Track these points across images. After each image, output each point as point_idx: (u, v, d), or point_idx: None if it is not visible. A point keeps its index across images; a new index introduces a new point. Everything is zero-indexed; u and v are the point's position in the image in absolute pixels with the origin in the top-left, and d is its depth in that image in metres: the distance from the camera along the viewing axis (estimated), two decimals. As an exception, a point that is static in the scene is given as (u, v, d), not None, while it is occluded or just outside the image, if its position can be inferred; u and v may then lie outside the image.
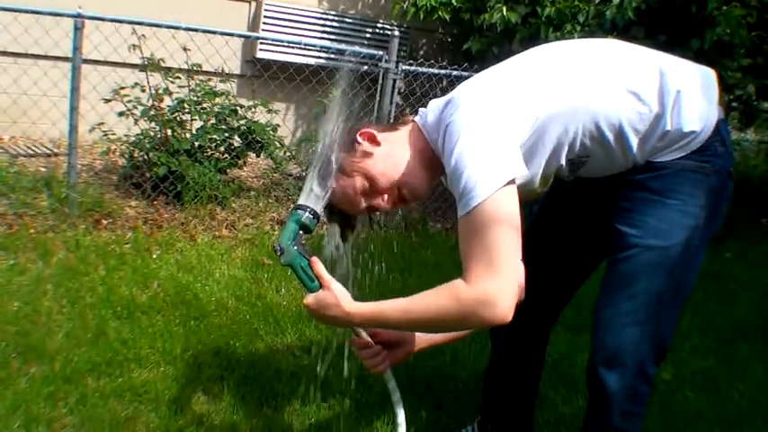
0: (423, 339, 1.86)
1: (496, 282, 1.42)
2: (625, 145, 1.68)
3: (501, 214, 1.45)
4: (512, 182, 1.48)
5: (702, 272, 4.74)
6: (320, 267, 1.65)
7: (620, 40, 4.56)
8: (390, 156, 1.71)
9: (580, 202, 1.94)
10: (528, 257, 1.75)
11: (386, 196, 1.70)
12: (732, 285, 4.54)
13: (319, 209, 1.69)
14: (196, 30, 4.19)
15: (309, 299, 1.64)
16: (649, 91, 1.65)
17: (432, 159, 1.70)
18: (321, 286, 1.64)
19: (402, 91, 4.85)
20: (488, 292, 1.42)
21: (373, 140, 1.71)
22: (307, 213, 1.66)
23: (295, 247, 1.64)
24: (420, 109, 1.79)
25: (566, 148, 1.68)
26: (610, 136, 1.66)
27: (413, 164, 1.71)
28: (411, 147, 1.72)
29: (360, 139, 1.71)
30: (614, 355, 1.71)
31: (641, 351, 1.71)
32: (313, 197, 1.68)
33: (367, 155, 1.70)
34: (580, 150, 1.70)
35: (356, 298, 1.63)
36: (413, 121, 1.78)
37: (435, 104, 1.73)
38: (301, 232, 1.66)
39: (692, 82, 1.70)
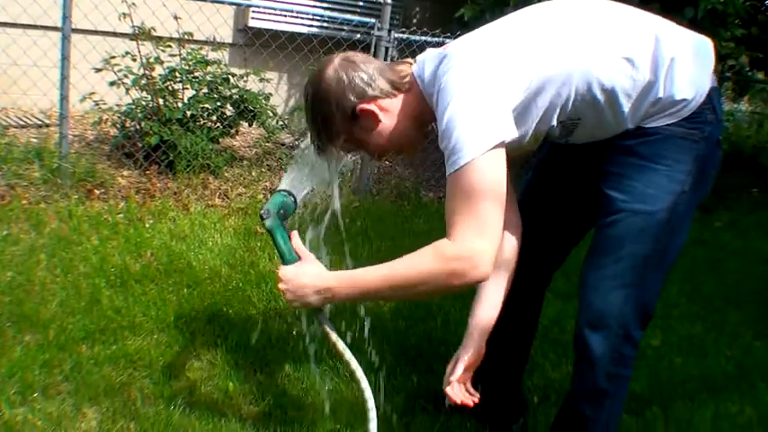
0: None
1: (481, 241, 1.51)
2: (617, 110, 1.69)
3: (487, 176, 1.51)
4: (500, 144, 1.52)
5: (692, 240, 4.80)
6: (299, 241, 1.69)
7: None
8: (387, 130, 1.74)
9: (571, 167, 1.96)
10: (522, 222, 1.78)
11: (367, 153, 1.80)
12: (721, 254, 4.58)
13: (299, 199, 1.77)
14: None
15: (287, 267, 1.65)
16: (643, 57, 1.66)
17: (426, 115, 1.73)
18: (299, 259, 1.67)
19: (395, 59, 4.84)
20: (473, 249, 1.51)
21: (373, 118, 1.72)
22: (291, 198, 1.73)
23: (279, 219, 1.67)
24: (417, 58, 1.80)
25: (558, 110, 1.70)
26: (602, 100, 1.67)
27: (407, 131, 1.76)
28: (408, 113, 1.75)
29: (360, 114, 1.71)
30: (599, 317, 1.74)
31: (625, 314, 1.74)
32: (296, 184, 1.77)
33: (366, 130, 1.74)
34: (572, 113, 1.71)
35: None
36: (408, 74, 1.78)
37: (431, 55, 1.75)
38: (282, 212, 1.70)
39: (687, 50, 1.71)
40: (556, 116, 1.71)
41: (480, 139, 1.50)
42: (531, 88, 1.63)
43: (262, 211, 1.68)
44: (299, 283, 1.63)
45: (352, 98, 1.69)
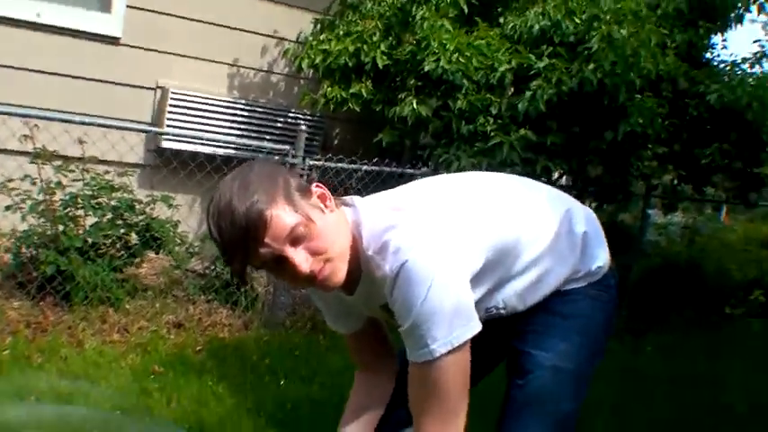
0: None
1: (452, 429, 1.59)
2: (544, 291, 1.82)
3: (453, 372, 1.57)
4: (467, 341, 1.57)
5: (622, 368, 4.84)
6: None
7: (533, 132, 4.69)
8: (337, 227, 1.61)
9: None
10: None
11: (310, 258, 1.55)
12: (649, 383, 4.62)
13: None
14: (91, 124, 4.20)
15: None
16: (562, 239, 1.81)
17: (355, 259, 1.64)
18: None
19: (315, 181, 4.92)
20: None
21: (324, 200, 1.60)
22: None
23: None
24: (350, 200, 1.72)
25: (485, 300, 1.77)
26: (527, 285, 1.80)
27: (348, 243, 1.63)
28: (347, 237, 1.64)
29: (312, 191, 1.59)
30: None
31: None
32: None
33: (320, 210, 1.58)
34: (499, 302, 1.81)
35: None
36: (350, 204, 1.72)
37: (373, 215, 1.67)
38: None
39: (589, 221, 1.90)
40: (484, 304, 1.78)
41: (457, 332, 1.54)
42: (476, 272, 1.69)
43: None
44: None
45: (300, 180, 1.63)
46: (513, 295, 1.79)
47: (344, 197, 1.73)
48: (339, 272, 1.60)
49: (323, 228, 1.55)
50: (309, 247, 1.54)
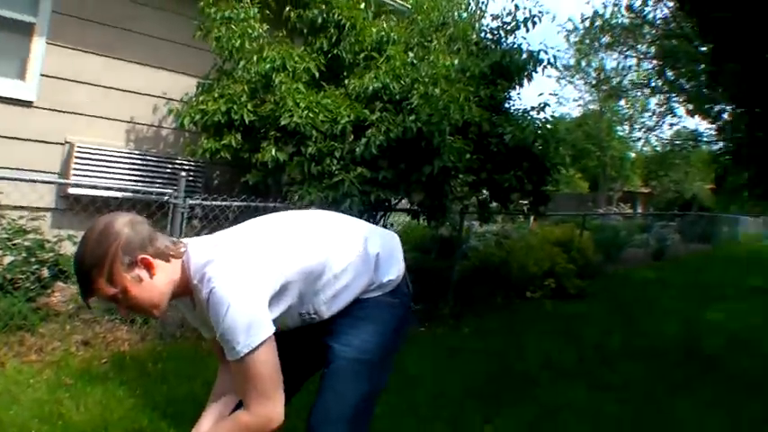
0: None
1: (270, 405, 1.77)
2: (346, 300, 2.02)
3: (261, 362, 1.76)
4: (268, 338, 1.77)
5: (446, 347, 5.11)
6: None
7: (368, 170, 4.90)
8: (155, 288, 1.80)
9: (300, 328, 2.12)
10: None
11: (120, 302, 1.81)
12: (466, 355, 5.00)
13: None
14: (4, 178, 4.17)
15: None
16: (358, 259, 2.01)
17: (181, 290, 1.85)
18: None
19: (198, 215, 5.06)
20: (266, 416, 1.77)
21: (150, 269, 1.79)
22: None
23: None
24: (186, 244, 1.89)
25: (298, 308, 1.97)
26: (330, 295, 1.99)
27: (167, 293, 1.84)
28: (173, 279, 1.84)
29: (139, 263, 1.78)
30: None
31: None
32: None
33: (139, 280, 1.78)
34: (310, 309, 1.99)
35: None
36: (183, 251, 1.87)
37: (198, 248, 1.88)
38: None
39: (385, 244, 2.11)
40: (296, 313, 1.98)
41: (254, 338, 1.74)
42: (279, 289, 1.87)
43: None
44: None
45: (135, 247, 1.77)
46: (321, 303, 1.99)
47: (182, 239, 1.95)
48: (156, 312, 1.85)
49: (137, 294, 1.79)
50: (126, 306, 1.82)
